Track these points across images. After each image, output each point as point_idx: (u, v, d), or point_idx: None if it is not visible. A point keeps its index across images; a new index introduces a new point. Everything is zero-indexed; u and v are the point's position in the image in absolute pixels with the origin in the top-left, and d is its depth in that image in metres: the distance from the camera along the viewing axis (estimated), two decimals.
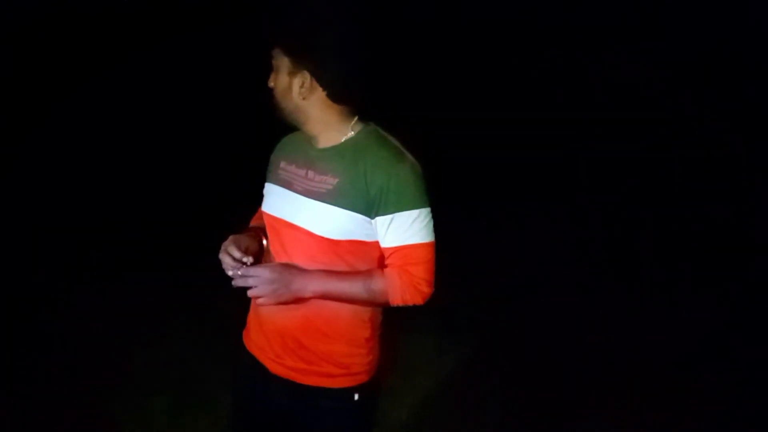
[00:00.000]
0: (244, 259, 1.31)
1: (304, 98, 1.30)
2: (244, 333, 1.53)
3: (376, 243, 1.32)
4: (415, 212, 1.28)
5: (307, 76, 1.28)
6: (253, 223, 1.56)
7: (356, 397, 1.40)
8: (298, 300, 1.31)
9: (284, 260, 1.35)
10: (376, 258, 1.35)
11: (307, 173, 1.35)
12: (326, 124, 1.33)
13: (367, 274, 1.33)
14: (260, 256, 1.42)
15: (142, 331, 3.14)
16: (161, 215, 4.38)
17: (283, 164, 1.42)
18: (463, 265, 3.68)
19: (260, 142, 1.79)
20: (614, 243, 4.70)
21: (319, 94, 1.30)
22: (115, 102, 5.95)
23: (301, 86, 1.29)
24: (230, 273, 1.32)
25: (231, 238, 1.38)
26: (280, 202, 1.38)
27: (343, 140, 1.33)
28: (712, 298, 3.93)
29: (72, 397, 2.61)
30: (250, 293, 1.30)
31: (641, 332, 3.48)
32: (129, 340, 3.05)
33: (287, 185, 1.38)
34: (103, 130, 5.63)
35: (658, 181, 5.68)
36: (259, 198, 1.50)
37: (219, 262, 1.34)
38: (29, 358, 2.88)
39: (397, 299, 1.33)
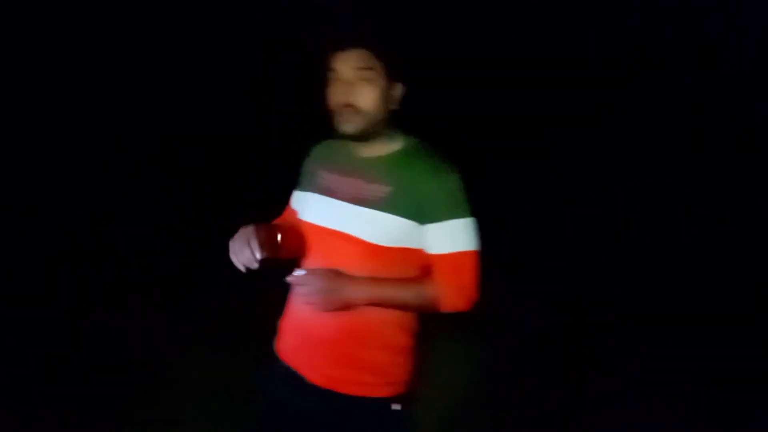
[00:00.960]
0: (257, 254, 1.24)
1: (392, 109, 1.33)
2: (277, 342, 1.51)
3: (420, 250, 1.33)
4: (464, 221, 1.31)
5: (401, 87, 1.32)
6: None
7: (395, 406, 1.38)
8: (347, 307, 1.30)
9: (327, 267, 1.33)
10: (419, 265, 1.35)
11: (354, 181, 1.34)
12: (383, 134, 1.35)
13: (417, 280, 1.34)
14: (275, 252, 1.38)
15: (172, 336, 3.17)
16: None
17: (323, 173, 1.41)
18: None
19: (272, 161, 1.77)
20: (618, 244, 4.69)
21: (394, 105, 1.33)
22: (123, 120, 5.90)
23: (396, 97, 1.33)
24: (239, 265, 1.27)
25: (251, 229, 1.30)
26: (323, 211, 1.37)
27: (393, 149, 1.35)
28: (717, 299, 3.93)
29: (104, 400, 2.64)
30: (302, 300, 1.29)
31: (648, 335, 3.46)
32: (161, 345, 3.08)
33: (330, 193, 1.37)
34: (123, 151, 5.58)
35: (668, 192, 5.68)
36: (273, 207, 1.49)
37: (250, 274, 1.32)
38: (66, 361, 2.89)
39: (447, 305, 1.33)
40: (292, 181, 1.58)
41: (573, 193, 5.51)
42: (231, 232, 1.33)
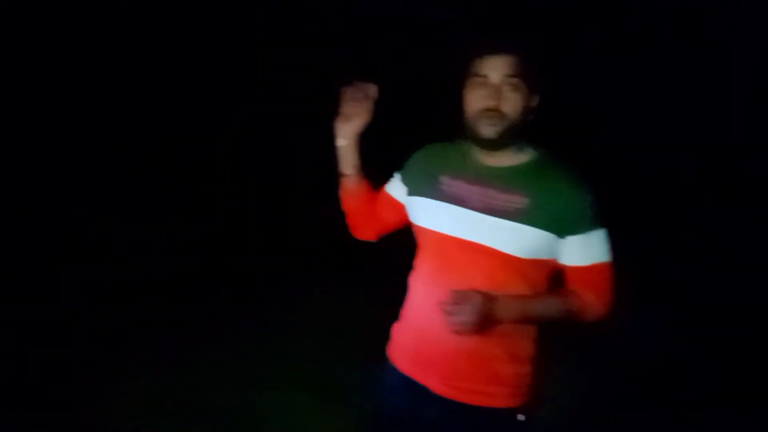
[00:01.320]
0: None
1: (528, 119, 1.33)
2: (392, 352, 1.49)
3: (552, 261, 1.34)
4: (603, 231, 1.33)
5: (537, 98, 1.34)
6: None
7: (520, 417, 1.38)
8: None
9: (454, 279, 1.30)
10: (547, 275, 1.36)
11: (485, 191, 1.32)
12: (515, 144, 1.35)
13: (559, 294, 1.35)
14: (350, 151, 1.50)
15: (284, 330, 3.34)
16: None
17: (445, 179, 1.38)
18: None
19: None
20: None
21: (531, 115, 1.35)
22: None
23: (533, 107, 1.34)
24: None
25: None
26: (451, 220, 1.34)
27: (525, 160, 1.35)
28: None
29: (225, 388, 2.82)
30: (453, 328, 1.25)
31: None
32: (274, 338, 3.27)
33: (459, 202, 1.34)
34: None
35: None
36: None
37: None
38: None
39: (590, 315, 1.36)
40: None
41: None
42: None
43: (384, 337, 1.54)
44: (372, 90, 1.46)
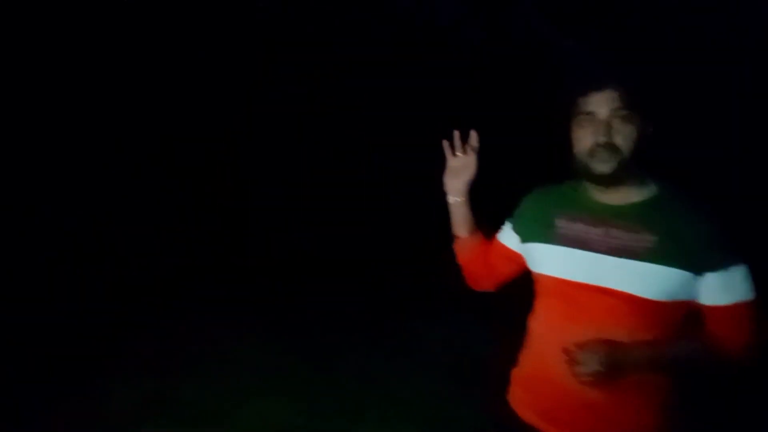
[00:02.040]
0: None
1: (643, 149, 1.24)
2: (513, 399, 1.42)
3: (690, 302, 1.24)
4: (742, 267, 1.22)
5: (651, 127, 1.26)
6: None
7: None
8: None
9: (583, 326, 1.24)
10: (685, 318, 1.26)
11: (608, 231, 1.25)
12: (633, 178, 1.26)
13: (697, 338, 1.25)
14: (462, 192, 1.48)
15: (400, 368, 3.23)
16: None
17: (561, 222, 1.32)
18: None
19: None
20: None
21: (645, 145, 1.26)
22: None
23: (647, 137, 1.25)
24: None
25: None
26: (574, 264, 1.27)
27: (649, 195, 1.27)
28: None
29: (338, 418, 2.75)
30: (580, 379, 1.21)
31: None
32: (390, 375, 3.15)
33: (579, 245, 1.27)
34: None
35: None
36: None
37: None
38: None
39: (734, 360, 1.25)
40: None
41: None
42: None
43: (502, 377, 1.47)
44: (475, 138, 1.43)
